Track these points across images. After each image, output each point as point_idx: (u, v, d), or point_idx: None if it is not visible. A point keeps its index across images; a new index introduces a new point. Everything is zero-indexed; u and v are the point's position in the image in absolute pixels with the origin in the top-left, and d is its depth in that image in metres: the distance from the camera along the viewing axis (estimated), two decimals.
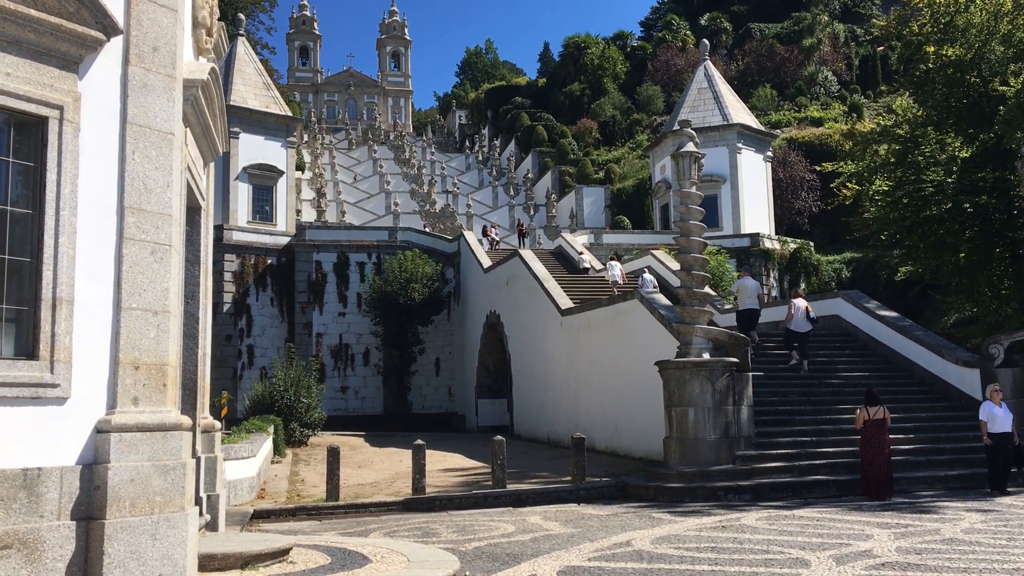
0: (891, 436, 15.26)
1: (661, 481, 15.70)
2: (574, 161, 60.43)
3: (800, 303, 20.19)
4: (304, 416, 25.32)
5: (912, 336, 20.79)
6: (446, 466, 20.03)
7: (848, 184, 24.15)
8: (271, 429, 20.75)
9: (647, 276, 26.29)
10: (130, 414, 7.02)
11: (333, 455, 15.38)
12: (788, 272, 40.55)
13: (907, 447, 16.85)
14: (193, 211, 9.55)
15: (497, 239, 45.07)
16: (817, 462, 16.19)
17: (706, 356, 16.46)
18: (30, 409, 6.59)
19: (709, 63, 46.33)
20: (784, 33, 69.05)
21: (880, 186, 22.53)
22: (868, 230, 24.06)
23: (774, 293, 38.56)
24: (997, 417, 14.96)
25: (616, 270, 28.80)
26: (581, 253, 34.39)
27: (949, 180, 21.03)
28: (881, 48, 62.20)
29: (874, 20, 31.03)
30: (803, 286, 39.85)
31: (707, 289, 18.02)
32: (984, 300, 21.88)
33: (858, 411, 15.18)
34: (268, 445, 19.67)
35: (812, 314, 20.12)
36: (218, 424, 10.56)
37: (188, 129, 8.57)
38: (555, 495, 15.57)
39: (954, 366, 19.41)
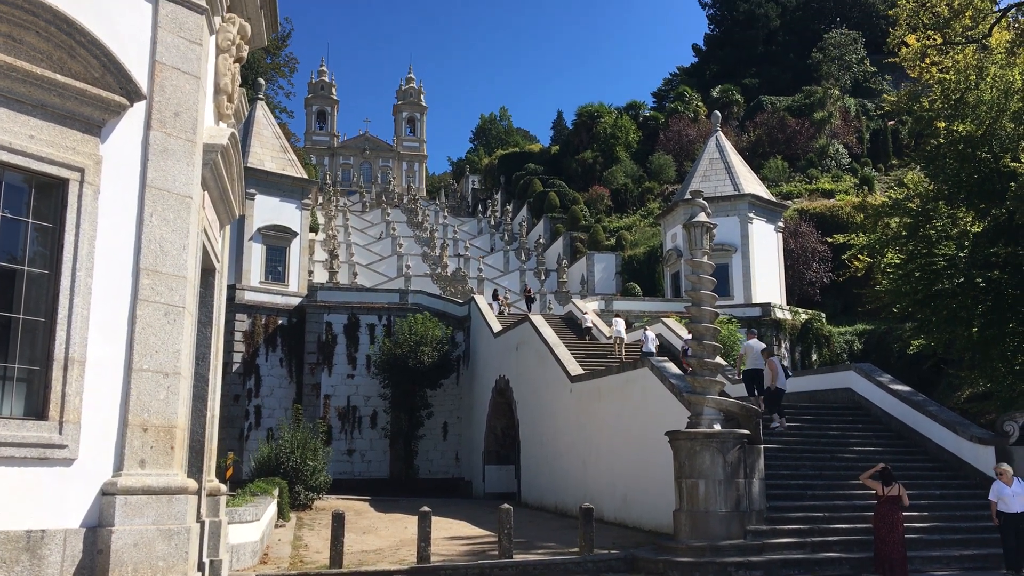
0: (904, 514, 14.97)
1: (671, 555, 15.39)
2: (586, 227, 60.83)
3: (776, 361, 20.92)
4: (309, 479, 25.05)
5: (925, 411, 20.62)
6: (452, 534, 19.73)
7: (860, 256, 24.17)
8: (276, 492, 20.52)
9: (649, 334, 28.19)
10: (136, 477, 6.96)
11: (338, 521, 15.17)
12: (800, 343, 40.34)
13: (921, 525, 16.54)
14: (208, 273, 9.60)
15: (507, 304, 45.14)
16: (830, 538, 15.88)
17: (717, 427, 16.28)
18: (37, 470, 6.54)
19: (720, 134, 46.80)
20: (795, 106, 69.87)
21: (892, 259, 22.54)
22: (880, 303, 24.01)
23: (785, 363, 38.32)
24: (1006, 496, 14.57)
25: (620, 326, 30.21)
26: (585, 313, 35.20)
27: (961, 254, 21.02)
28: (892, 122, 62.77)
29: (885, 95, 31.35)
30: (814, 357, 39.66)
31: (718, 359, 17.94)
32: (998, 375, 21.64)
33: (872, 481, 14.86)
34: (272, 508, 19.45)
35: (789, 371, 21.69)
36: (224, 487, 10.46)
37: (206, 192, 8.66)
38: (562, 567, 15.26)
39: (968, 443, 19.17)
